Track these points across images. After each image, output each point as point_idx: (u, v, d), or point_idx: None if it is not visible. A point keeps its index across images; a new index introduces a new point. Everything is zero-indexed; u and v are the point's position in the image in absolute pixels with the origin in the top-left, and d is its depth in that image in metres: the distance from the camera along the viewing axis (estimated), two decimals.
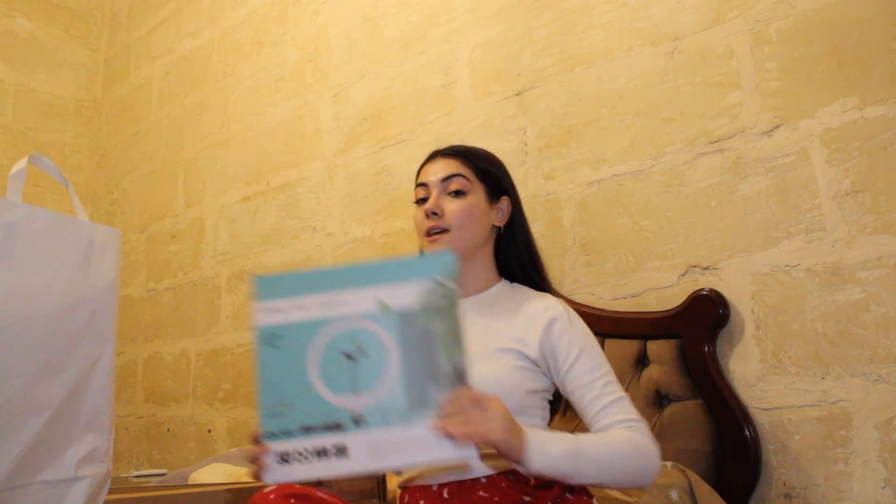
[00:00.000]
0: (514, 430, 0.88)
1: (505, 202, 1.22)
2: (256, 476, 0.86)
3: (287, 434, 0.86)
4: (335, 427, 0.86)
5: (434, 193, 1.18)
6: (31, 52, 3.81)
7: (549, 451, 0.91)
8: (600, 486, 1.00)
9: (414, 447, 0.85)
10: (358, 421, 0.86)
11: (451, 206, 1.16)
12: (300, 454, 0.85)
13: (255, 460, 0.86)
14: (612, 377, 1.09)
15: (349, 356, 0.88)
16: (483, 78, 2.21)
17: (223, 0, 3.31)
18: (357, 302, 0.88)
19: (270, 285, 0.89)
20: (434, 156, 1.24)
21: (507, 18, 2.18)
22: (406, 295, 0.89)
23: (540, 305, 1.14)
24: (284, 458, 0.85)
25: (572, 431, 1.01)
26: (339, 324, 0.88)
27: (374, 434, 0.85)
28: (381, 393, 0.87)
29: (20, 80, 3.75)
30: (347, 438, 0.85)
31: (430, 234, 1.15)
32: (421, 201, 1.20)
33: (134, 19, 3.92)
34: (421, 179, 1.22)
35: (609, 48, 1.93)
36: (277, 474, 0.85)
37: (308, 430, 0.86)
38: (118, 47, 4.00)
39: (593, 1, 1.98)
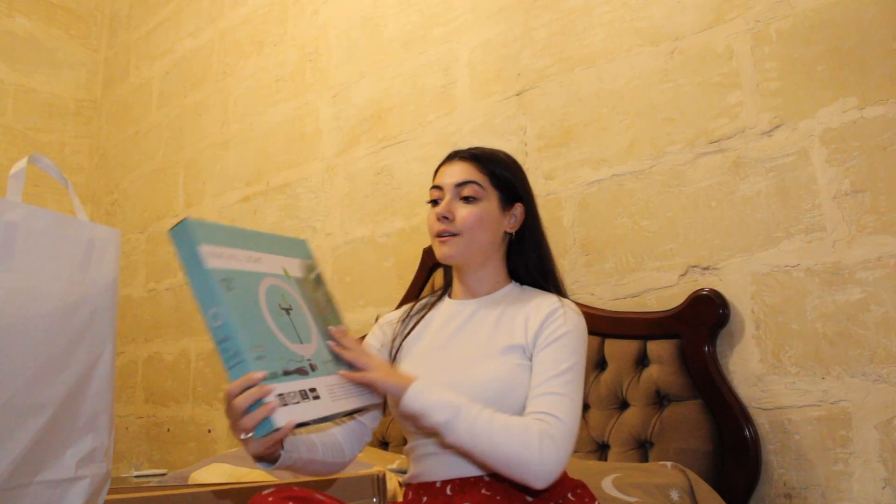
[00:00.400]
0: (393, 373, 1.03)
1: (518, 209, 1.21)
2: (250, 425, 0.83)
3: (275, 377, 0.86)
4: (302, 371, 0.90)
5: (447, 197, 1.17)
6: (31, 52, 3.81)
7: (429, 395, 0.99)
8: (473, 458, 0.99)
9: (353, 393, 0.98)
10: (313, 367, 0.92)
11: (462, 212, 1.15)
12: (291, 395, 0.86)
13: (243, 412, 0.83)
14: (568, 375, 1.05)
15: (285, 309, 0.92)
16: (483, 78, 2.21)
17: (223, 0, 3.31)
18: (269, 264, 0.94)
19: (208, 231, 0.88)
20: (451, 157, 1.23)
21: (507, 18, 2.18)
22: (294, 266, 1.00)
23: (544, 301, 1.14)
24: (283, 401, 0.85)
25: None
26: (267, 279, 0.93)
27: (326, 380, 0.93)
28: (314, 344, 0.95)
29: (20, 80, 3.75)
30: (314, 382, 0.91)
31: (440, 235, 1.16)
32: (434, 203, 1.20)
33: (134, 19, 3.92)
34: (436, 181, 1.21)
35: (609, 48, 1.93)
36: (286, 414, 0.84)
37: (287, 373, 0.88)
38: (118, 47, 4.00)
39: (593, 1, 1.98)
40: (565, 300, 1.16)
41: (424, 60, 2.39)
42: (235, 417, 0.86)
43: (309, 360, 0.92)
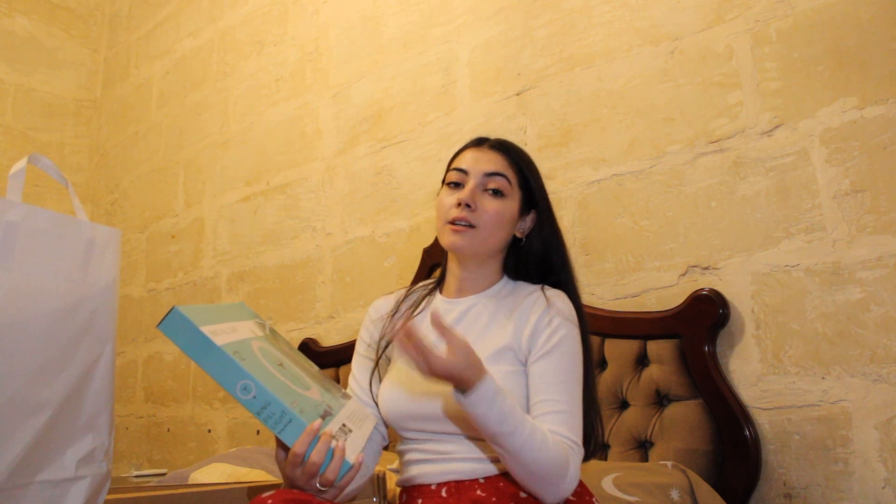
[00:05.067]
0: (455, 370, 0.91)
1: (529, 218, 1.17)
2: (334, 475, 0.83)
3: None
4: (328, 412, 0.92)
5: (472, 184, 1.11)
6: (31, 52, 3.81)
7: (483, 407, 0.92)
8: (502, 457, 0.97)
9: (366, 414, 1.04)
10: (330, 406, 0.95)
11: (488, 206, 1.10)
12: (340, 434, 0.89)
13: (316, 455, 0.83)
14: (573, 387, 1.04)
15: (279, 364, 0.94)
16: (483, 78, 2.21)
17: (223, 0, 3.31)
18: (244, 330, 0.95)
19: (196, 313, 0.88)
20: (480, 143, 1.17)
21: (507, 18, 2.18)
22: (255, 326, 1.00)
23: (531, 298, 1.11)
24: (341, 440, 0.88)
25: None
26: (254, 342, 0.94)
27: (344, 413, 0.97)
28: (315, 387, 0.97)
29: (20, 80, 3.75)
30: (340, 419, 0.94)
31: (455, 223, 1.10)
32: (453, 185, 1.14)
33: (134, 19, 3.92)
34: (460, 164, 1.14)
35: (609, 48, 1.93)
36: (350, 451, 0.87)
37: (323, 416, 0.91)
38: (118, 47, 4.00)
39: (593, 1, 1.98)
40: (551, 290, 1.12)
41: (424, 60, 2.39)
42: (313, 474, 0.84)
43: (325, 401, 0.94)
